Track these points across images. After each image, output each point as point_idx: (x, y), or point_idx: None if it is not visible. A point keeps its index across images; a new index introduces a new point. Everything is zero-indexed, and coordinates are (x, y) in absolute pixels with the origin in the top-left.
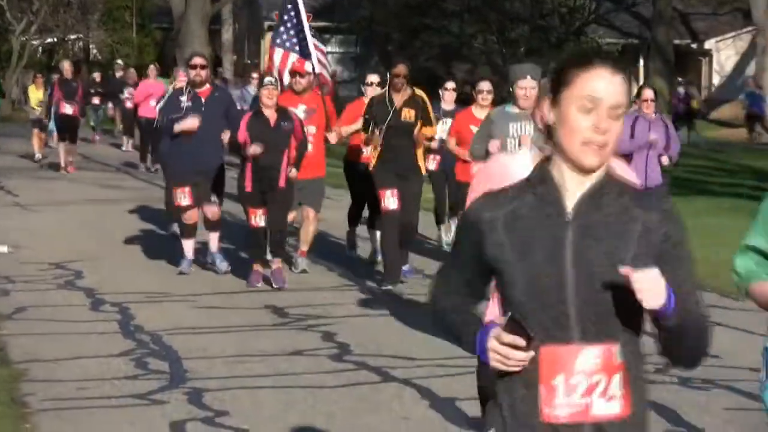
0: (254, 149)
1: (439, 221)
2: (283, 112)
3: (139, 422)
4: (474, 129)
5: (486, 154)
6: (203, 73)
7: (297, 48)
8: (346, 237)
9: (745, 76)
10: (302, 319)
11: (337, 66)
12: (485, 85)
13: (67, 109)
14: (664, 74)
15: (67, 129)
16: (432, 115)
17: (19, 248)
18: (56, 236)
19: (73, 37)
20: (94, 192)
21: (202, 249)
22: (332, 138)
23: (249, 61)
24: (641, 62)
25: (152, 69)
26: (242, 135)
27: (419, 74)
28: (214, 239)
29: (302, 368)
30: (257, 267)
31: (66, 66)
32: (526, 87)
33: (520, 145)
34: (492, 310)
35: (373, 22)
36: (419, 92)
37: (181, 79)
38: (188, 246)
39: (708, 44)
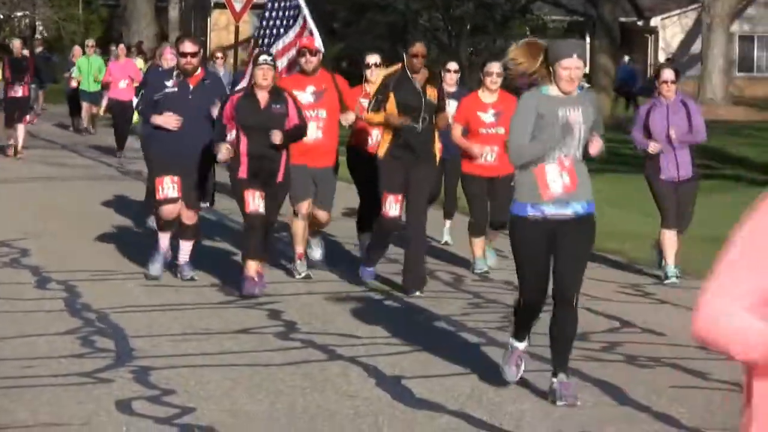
0: (222, 152)
1: (447, 216)
2: (276, 94)
3: (86, 401)
4: (483, 116)
5: (539, 154)
6: (195, 61)
7: (296, 26)
8: (360, 248)
9: (689, 54)
10: (248, 297)
11: None
12: (495, 67)
13: (17, 91)
14: (610, 52)
15: (18, 110)
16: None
17: None
18: (1, 214)
19: (19, 14)
20: (40, 170)
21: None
22: (346, 120)
23: (200, 38)
24: (587, 39)
25: (121, 48)
26: (228, 117)
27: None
28: (186, 249)
29: (248, 346)
30: (252, 270)
31: (16, 44)
32: (571, 67)
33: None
34: None
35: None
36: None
37: (166, 58)
38: (164, 240)
39: (654, 21)
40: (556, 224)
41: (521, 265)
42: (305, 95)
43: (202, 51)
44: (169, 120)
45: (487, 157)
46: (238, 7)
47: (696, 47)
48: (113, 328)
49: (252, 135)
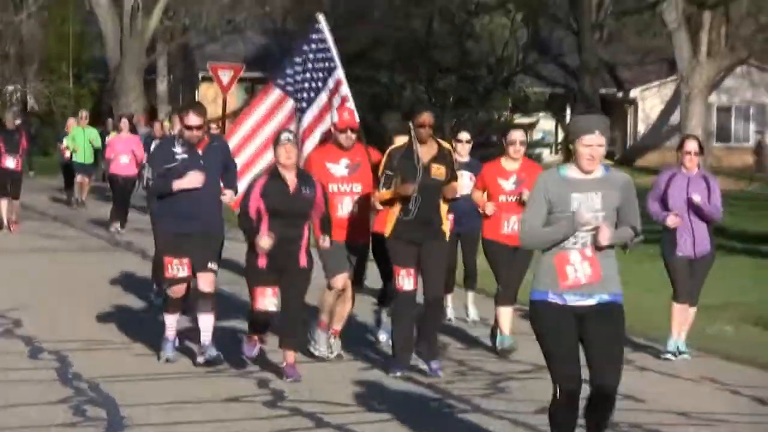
0: (264, 242)
1: (447, 291)
2: (304, 177)
3: None
4: (504, 183)
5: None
6: (200, 133)
7: (329, 83)
8: (375, 319)
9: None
10: (239, 365)
11: None
12: (518, 135)
13: (10, 162)
14: None
15: (10, 183)
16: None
17: None
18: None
19: (10, 88)
20: (32, 242)
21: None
22: (376, 197)
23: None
24: (568, 111)
25: (124, 122)
26: (255, 204)
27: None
28: (207, 324)
29: (237, 415)
30: (254, 342)
31: (8, 117)
32: (593, 144)
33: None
34: None
35: None
36: (445, 144)
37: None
38: (172, 323)
39: (633, 93)
40: (581, 311)
41: (549, 352)
42: (339, 168)
43: (206, 119)
44: (195, 178)
45: (513, 226)
46: (225, 80)
47: (675, 118)
48: (104, 397)
49: (277, 219)
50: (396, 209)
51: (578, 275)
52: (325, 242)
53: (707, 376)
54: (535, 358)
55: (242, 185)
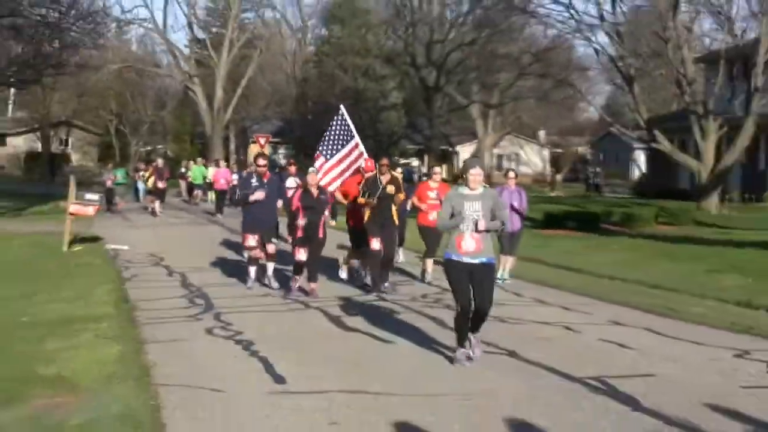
0: (302, 222)
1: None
2: (321, 189)
3: (189, 329)
4: (430, 194)
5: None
6: (265, 168)
7: (349, 145)
8: (342, 266)
9: None
10: (287, 292)
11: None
12: (437, 170)
13: (160, 184)
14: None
15: (161, 194)
16: (402, 186)
17: (133, 246)
18: (151, 240)
19: (160, 146)
20: (169, 220)
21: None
22: (360, 201)
23: (242, 158)
24: (425, 157)
25: (221, 162)
26: (296, 204)
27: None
28: (270, 267)
29: (284, 308)
30: (296, 281)
31: (160, 162)
32: (475, 174)
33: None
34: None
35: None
36: (396, 174)
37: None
38: (252, 272)
39: (457, 148)
40: (471, 267)
41: (453, 287)
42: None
43: (268, 163)
44: (261, 194)
45: (433, 216)
46: (262, 141)
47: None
48: (204, 294)
49: (307, 211)
50: (369, 208)
51: (467, 246)
52: (331, 222)
53: (536, 297)
54: (444, 287)
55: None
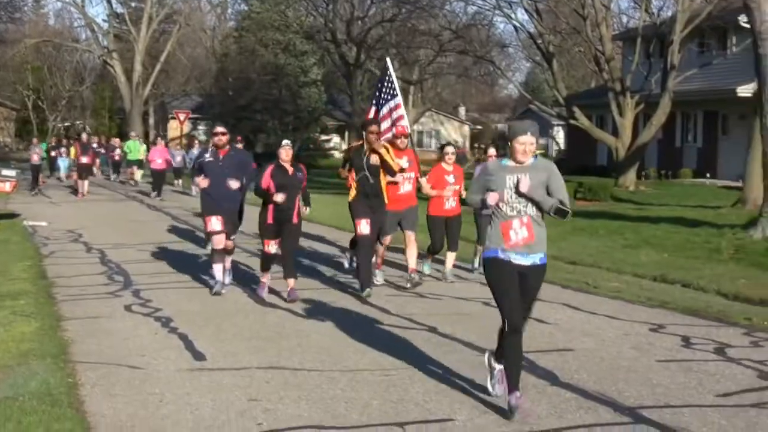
0: (280, 197)
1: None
2: (296, 165)
3: (108, 305)
4: (447, 178)
5: (482, 204)
6: (224, 138)
7: (391, 102)
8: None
9: None
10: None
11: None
12: (450, 149)
13: (84, 159)
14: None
15: (84, 171)
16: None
17: (51, 222)
18: (72, 217)
19: (78, 122)
20: (90, 197)
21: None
22: (342, 173)
23: (161, 134)
24: (346, 133)
25: (159, 140)
26: (266, 182)
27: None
28: (227, 261)
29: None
30: (264, 279)
31: (84, 136)
32: (525, 142)
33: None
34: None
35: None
36: (385, 143)
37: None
38: (217, 270)
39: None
40: (520, 269)
41: (499, 297)
42: (403, 162)
43: (228, 134)
44: (202, 182)
45: (451, 204)
46: (181, 117)
47: None
48: (123, 271)
49: (280, 191)
50: (357, 185)
51: (518, 236)
52: (305, 210)
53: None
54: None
55: None
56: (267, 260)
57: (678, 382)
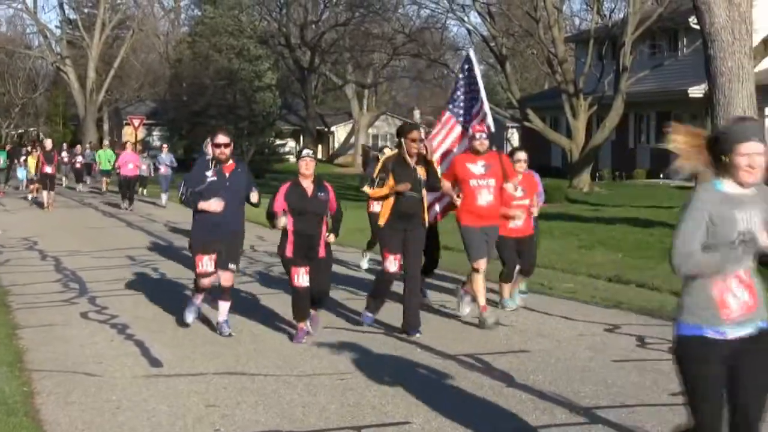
0: (282, 222)
1: (368, 248)
2: (319, 183)
3: (64, 313)
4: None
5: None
6: (227, 151)
7: (471, 111)
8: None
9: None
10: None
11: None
12: (521, 155)
13: (48, 169)
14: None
15: (49, 181)
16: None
17: (6, 230)
18: (24, 225)
19: (32, 129)
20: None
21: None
22: (510, 188)
23: (117, 140)
24: (301, 137)
25: (129, 145)
26: (279, 205)
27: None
28: (224, 309)
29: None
30: (301, 325)
31: (47, 143)
32: (751, 153)
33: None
34: None
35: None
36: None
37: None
38: (194, 304)
39: (333, 128)
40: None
41: (696, 394)
42: (477, 167)
43: (233, 144)
44: (217, 205)
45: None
46: (136, 123)
47: (352, 140)
48: (78, 278)
49: (300, 218)
50: (389, 204)
51: (737, 301)
52: (329, 237)
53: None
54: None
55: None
56: (299, 297)
57: (633, 381)
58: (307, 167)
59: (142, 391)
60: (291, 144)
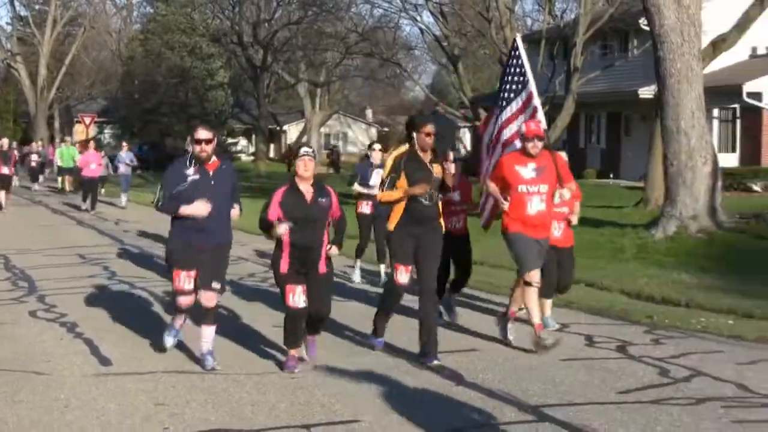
0: (282, 228)
1: (357, 256)
2: (320, 187)
3: (11, 312)
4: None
5: None
6: (209, 148)
7: (519, 98)
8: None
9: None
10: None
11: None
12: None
13: (5, 170)
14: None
15: (4, 182)
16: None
17: None
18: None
19: None
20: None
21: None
22: (561, 196)
23: (68, 138)
24: (253, 137)
25: (92, 144)
26: (274, 213)
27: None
28: (207, 335)
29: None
30: (293, 352)
31: (4, 143)
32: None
33: None
34: None
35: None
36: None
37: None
38: (174, 326)
39: (285, 127)
40: None
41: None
42: (527, 171)
43: (216, 139)
44: (203, 208)
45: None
46: (87, 121)
47: (304, 139)
48: (27, 276)
49: (297, 227)
50: (401, 206)
51: None
52: (331, 250)
53: None
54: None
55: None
56: (292, 321)
57: (581, 380)
58: (306, 168)
59: (90, 389)
60: (243, 143)
